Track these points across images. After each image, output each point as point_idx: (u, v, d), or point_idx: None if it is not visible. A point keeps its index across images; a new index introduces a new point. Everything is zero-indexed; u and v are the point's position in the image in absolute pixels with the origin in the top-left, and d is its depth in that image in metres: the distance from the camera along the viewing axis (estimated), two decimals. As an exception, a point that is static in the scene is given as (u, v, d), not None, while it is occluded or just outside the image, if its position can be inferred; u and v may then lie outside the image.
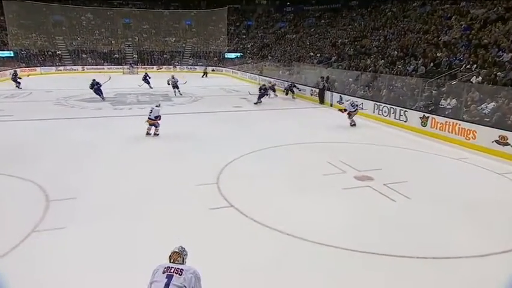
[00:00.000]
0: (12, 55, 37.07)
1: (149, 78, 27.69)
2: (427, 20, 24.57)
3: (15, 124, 15.09)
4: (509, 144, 10.86)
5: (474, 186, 9.01)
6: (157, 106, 13.25)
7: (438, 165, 10.67)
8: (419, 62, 19.18)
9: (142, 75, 34.72)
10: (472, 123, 12.43)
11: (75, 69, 39.11)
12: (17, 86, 25.79)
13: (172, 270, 3.68)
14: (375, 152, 11.61)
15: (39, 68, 37.29)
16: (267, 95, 21.29)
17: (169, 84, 23.85)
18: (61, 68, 38.89)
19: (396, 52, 22.04)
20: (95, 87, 20.91)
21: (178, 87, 23.81)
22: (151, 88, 26.73)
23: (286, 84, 24.20)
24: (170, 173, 9.47)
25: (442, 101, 14.66)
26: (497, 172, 9.84)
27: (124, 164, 10.18)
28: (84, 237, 6.29)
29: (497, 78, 14.19)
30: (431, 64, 18.33)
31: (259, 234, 6.42)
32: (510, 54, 15.43)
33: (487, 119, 12.62)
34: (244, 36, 47.32)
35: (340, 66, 24.52)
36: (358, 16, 34.04)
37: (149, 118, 12.81)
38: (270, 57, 36.72)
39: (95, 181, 8.78)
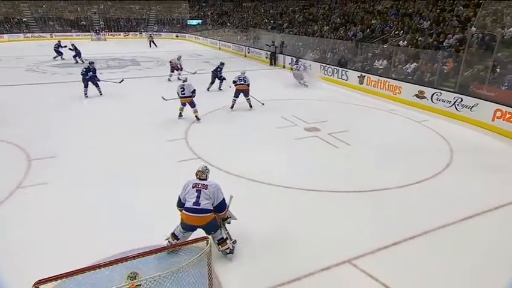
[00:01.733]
0: None
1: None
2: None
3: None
4: (426, 98, 11.52)
5: (399, 132, 9.66)
6: (184, 81, 10.22)
7: (372, 116, 11.20)
8: (358, 28, 19.41)
9: (109, 41, 32.84)
10: (398, 80, 13.00)
11: (43, 36, 36.12)
12: None
13: (200, 186, 4.28)
14: (321, 106, 11.97)
15: (6, 35, 34.25)
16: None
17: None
18: (29, 35, 35.85)
19: (338, 19, 22.06)
20: (59, 49, 21.70)
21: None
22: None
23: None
24: (142, 130, 9.36)
25: (376, 62, 15.11)
26: (416, 121, 10.51)
27: (98, 125, 9.85)
28: (64, 191, 6.25)
29: (418, 42, 14.70)
30: (367, 30, 18.62)
31: (226, 182, 6.58)
32: (429, 22, 15.90)
33: (410, 77, 13.25)
34: (205, 4, 45.46)
35: (291, 32, 24.31)
36: (306, -14, 33.51)
37: (182, 97, 9.93)
38: (228, 24, 35.67)
39: (72, 141, 8.52)
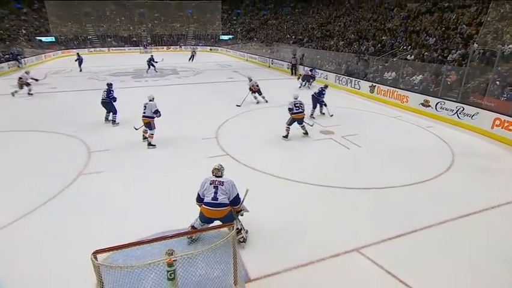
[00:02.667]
0: (54, 40, 35.68)
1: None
2: (376, 10, 23.97)
3: (59, 94, 14.70)
4: (431, 106, 11.11)
5: (405, 137, 9.33)
6: (150, 100, 8.07)
7: (381, 121, 10.87)
8: (370, 43, 18.94)
9: (155, 54, 33.70)
10: (406, 90, 12.59)
11: (103, 51, 37.67)
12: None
13: (216, 183, 4.22)
14: (336, 112, 11.77)
15: (75, 50, 35.90)
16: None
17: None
18: (92, 49, 37.41)
19: (352, 35, 21.60)
20: (152, 62, 21.27)
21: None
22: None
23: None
24: (181, 129, 9.48)
25: (385, 73, 14.69)
26: (421, 127, 10.13)
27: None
28: (117, 178, 6.48)
29: (425, 56, 14.19)
30: (378, 45, 18.13)
31: (248, 174, 6.61)
32: (434, 39, 15.34)
33: (416, 87, 12.80)
34: (235, 22, 45.67)
35: (310, 46, 24.02)
36: (324, 6, 32.98)
37: (144, 116, 7.97)
38: (255, 39, 35.69)
39: (122, 137, 8.79)
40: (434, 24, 16.78)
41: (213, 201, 4.13)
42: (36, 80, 14.36)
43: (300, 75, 16.84)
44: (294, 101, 8.65)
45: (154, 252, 3.03)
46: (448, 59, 13.14)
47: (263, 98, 12.85)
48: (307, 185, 6.23)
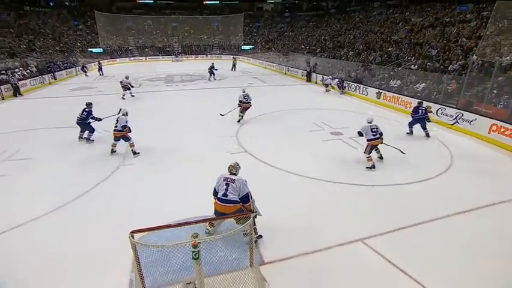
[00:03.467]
0: (102, 51, 37.06)
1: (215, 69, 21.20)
2: (383, 24, 23.32)
3: (104, 96, 15.09)
4: (432, 112, 10.59)
5: (408, 139, 8.97)
6: (123, 114, 7.29)
7: (386, 125, 10.43)
8: (377, 53, 18.45)
9: (185, 62, 33.94)
10: (410, 97, 12.15)
11: (141, 59, 38.56)
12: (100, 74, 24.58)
13: (228, 180, 4.03)
14: (345, 115, 11.52)
15: (118, 59, 37.18)
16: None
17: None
18: (132, 58, 38.46)
19: (361, 46, 21.13)
20: (212, 69, 20.47)
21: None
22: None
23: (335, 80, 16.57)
24: (204, 128, 9.53)
25: (391, 81, 14.28)
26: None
27: (172, 123, 10.20)
28: (146, 170, 6.59)
29: (427, 66, 13.72)
30: (385, 55, 17.65)
31: (265, 170, 6.61)
32: (436, 50, 14.79)
33: (419, 94, 12.35)
34: (255, 34, 45.55)
35: (322, 56, 23.65)
36: (335, 20, 32.36)
37: (115, 130, 7.16)
38: (273, 49, 35.50)
39: (152, 135, 8.87)
40: (436, 37, 16.21)
41: (223, 197, 3.96)
42: (132, 86, 14.63)
43: (326, 85, 16.34)
44: (370, 125, 6.72)
45: (181, 234, 3.06)
46: (449, 69, 12.66)
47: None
48: (316, 181, 6.14)
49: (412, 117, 9.14)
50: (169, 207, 5.08)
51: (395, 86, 13.86)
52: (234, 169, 4.18)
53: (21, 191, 5.75)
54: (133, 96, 14.54)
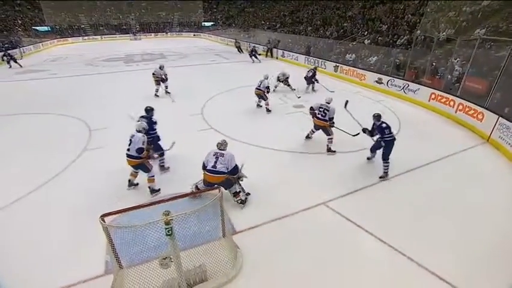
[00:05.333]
0: (49, 29, 32.64)
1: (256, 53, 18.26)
2: (339, 0, 23.41)
3: (59, 80, 13.69)
4: (383, 83, 11.26)
5: (362, 108, 9.14)
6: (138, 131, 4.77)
7: (342, 96, 10.50)
8: (333, 28, 18.64)
9: (144, 41, 31.66)
10: (363, 69, 12.58)
11: (96, 38, 34.82)
12: None
13: (218, 154, 4.32)
14: (305, 89, 11.60)
15: (70, 38, 33.24)
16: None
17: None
18: (86, 37, 34.61)
19: (319, 22, 21.13)
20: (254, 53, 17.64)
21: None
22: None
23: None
24: (170, 106, 9.16)
25: (347, 55, 14.60)
26: (375, 100, 10.26)
27: (135, 103, 9.58)
28: (114, 152, 6.18)
29: (379, 41, 14.21)
30: (341, 30, 17.86)
31: (233, 144, 6.56)
32: (386, 26, 15.27)
33: (372, 67, 12.86)
34: (215, 10, 43.47)
35: (282, 31, 23.35)
36: (294, -5, 31.87)
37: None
38: (234, 25, 34.23)
39: (118, 116, 8.36)
40: (386, 13, 16.63)
41: (212, 169, 4.23)
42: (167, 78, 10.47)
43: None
44: (321, 104, 6.36)
45: (153, 214, 2.98)
46: (397, 43, 13.20)
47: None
48: (281, 152, 6.28)
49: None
50: (141, 187, 4.92)
51: (351, 59, 14.21)
52: (222, 146, 4.42)
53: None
54: (168, 93, 10.41)
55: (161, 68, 10.28)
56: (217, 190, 3.44)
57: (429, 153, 6.25)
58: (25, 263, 3.58)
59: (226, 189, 4.26)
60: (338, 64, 14.02)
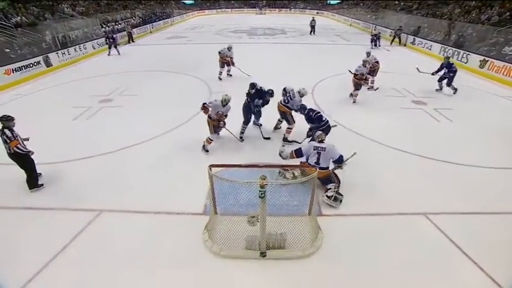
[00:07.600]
0: (193, 3, 38.86)
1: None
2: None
3: (193, 46, 16.12)
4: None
5: (505, 116, 7.37)
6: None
7: (482, 99, 8.64)
8: (495, 11, 14.36)
9: (267, 15, 32.99)
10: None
11: (227, 11, 39.41)
12: None
13: (319, 149, 4.22)
14: (434, 84, 9.90)
15: (207, 10, 38.55)
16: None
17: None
18: (219, 10, 39.43)
19: (474, 2, 16.65)
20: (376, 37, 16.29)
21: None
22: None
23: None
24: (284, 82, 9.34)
25: (506, 47, 11.20)
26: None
27: (252, 67, 10.46)
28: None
29: None
30: (507, 13, 13.41)
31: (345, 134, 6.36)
32: None
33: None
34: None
35: (419, 13, 19.96)
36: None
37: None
38: (361, 4, 31.19)
39: (235, 79, 9.57)
40: None
41: (315, 165, 4.14)
42: (233, 63, 10.09)
43: None
44: (290, 90, 5.85)
45: (250, 175, 3.30)
46: None
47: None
48: (389, 149, 5.73)
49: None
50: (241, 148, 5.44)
51: (511, 53, 10.89)
52: (320, 137, 4.33)
53: (133, 120, 6.92)
54: (230, 75, 10.18)
55: (229, 49, 9.69)
56: (313, 169, 3.50)
57: None
58: (143, 183, 4.62)
59: (322, 184, 4.23)
60: (487, 58, 11.16)
